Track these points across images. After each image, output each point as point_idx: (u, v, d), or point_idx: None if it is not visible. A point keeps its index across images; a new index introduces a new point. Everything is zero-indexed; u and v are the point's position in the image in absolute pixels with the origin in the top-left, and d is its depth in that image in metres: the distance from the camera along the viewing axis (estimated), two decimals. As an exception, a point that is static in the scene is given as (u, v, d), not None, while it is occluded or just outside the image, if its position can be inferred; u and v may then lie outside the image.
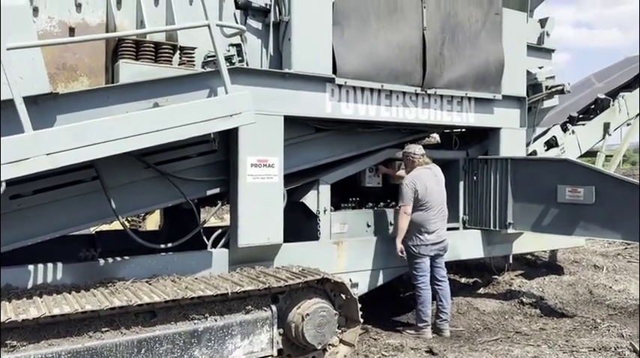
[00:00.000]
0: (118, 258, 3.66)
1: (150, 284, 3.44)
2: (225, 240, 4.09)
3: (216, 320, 3.32)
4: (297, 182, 4.52)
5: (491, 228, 5.30)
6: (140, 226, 6.88)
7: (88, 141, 2.94)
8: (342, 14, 4.32)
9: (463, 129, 5.68)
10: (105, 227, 5.00)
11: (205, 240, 4.09)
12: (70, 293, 3.16)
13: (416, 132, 5.32)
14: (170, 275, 3.66)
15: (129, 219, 6.04)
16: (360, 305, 3.89)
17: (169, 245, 3.92)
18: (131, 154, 3.44)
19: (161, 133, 3.19)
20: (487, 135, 5.54)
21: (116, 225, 3.99)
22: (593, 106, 7.29)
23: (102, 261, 3.61)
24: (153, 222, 6.98)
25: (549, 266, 7.29)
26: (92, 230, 4.89)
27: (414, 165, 4.80)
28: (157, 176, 3.82)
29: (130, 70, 3.53)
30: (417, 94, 4.78)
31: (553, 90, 6.00)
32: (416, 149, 4.83)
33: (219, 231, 4.17)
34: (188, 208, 4.09)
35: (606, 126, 7.09)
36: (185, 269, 3.80)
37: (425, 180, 4.72)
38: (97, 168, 3.52)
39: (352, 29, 4.37)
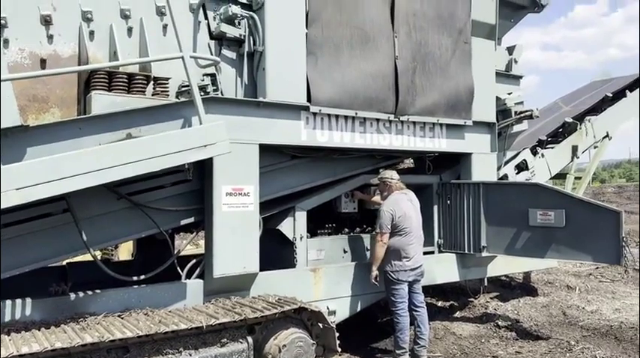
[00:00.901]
0: (90, 292, 3.57)
1: (122, 318, 3.36)
2: (199, 270, 4.04)
3: (190, 355, 3.25)
4: (273, 209, 4.51)
5: (466, 251, 5.36)
6: (112, 255, 6.73)
7: (59, 174, 2.90)
8: (316, 44, 4.39)
9: (436, 154, 5.77)
10: (77, 257, 4.88)
11: (180, 270, 4.03)
12: (39, 330, 3.07)
13: (390, 158, 5.39)
14: (143, 309, 3.58)
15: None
16: (337, 334, 3.86)
17: (142, 277, 3.85)
18: (103, 185, 3.39)
19: (134, 165, 3.16)
20: (459, 160, 5.65)
21: (88, 256, 3.91)
22: (561, 130, 7.51)
23: (72, 296, 3.52)
24: (126, 250, 6.85)
25: (524, 287, 7.39)
26: (64, 261, 4.77)
27: (392, 190, 4.84)
28: (130, 206, 3.77)
29: (103, 101, 3.50)
30: (390, 121, 4.86)
31: (522, 115, 6.16)
32: (392, 174, 4.89)
33: (194, 261, 4.12)
34: (162, 238, 4.03)
35: (574, 148, 7.29)
36: (159, 302, 3.73)
37: (402, 205, 4.76)
38: (68, 201, 3.46)
39: (326, 58, 4.44)
